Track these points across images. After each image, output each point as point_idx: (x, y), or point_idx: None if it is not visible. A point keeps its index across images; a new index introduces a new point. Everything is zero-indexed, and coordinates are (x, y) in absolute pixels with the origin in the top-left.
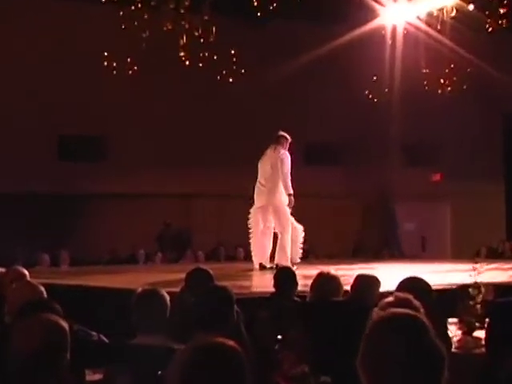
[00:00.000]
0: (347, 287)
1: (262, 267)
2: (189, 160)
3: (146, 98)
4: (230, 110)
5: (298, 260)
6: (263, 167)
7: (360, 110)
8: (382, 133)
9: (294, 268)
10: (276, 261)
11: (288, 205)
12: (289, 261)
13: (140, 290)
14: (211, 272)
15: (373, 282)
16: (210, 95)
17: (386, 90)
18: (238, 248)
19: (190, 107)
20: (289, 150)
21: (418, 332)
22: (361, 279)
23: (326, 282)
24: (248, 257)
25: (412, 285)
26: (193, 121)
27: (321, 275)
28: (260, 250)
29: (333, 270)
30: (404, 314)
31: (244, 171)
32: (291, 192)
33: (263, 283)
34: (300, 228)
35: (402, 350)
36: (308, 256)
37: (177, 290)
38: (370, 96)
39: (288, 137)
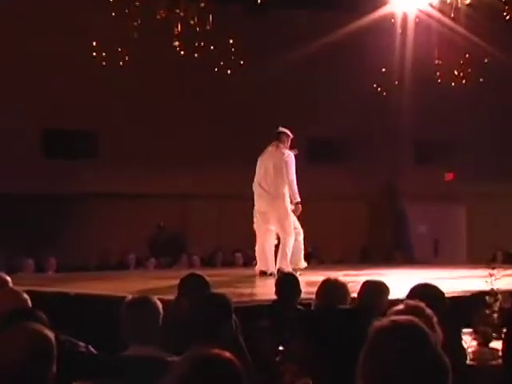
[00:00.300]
0: (354, 294)
1: (263, 273)
2: (185, 158)
3: (139, 90)
4: (228, 103)
5: (303, 265)
6: (264, 166)
7: (367, 104)
8: (390, 128)
9: (298, 274)
10: (277, 266)
11: (294, 212)
12: (289, 266)
13: (130, 297)
14: (207, 278)
15: (381, 288)
16: (206, 88)
17: (396, 82)
18: (236, 253)
19: (186, 101)
20: (290, 147)
21: (420, 342)
22: (368, 286)
23: (332, 289)
24: (247, 262)
25: (424, 292)
26: (189, 116)
27: (327, 282)
28: (261, 256)
29: (339, 276)
30: (405, 322)
31: (244, 170)
32: (299, 200)
33: (264, 290)
34: (300, 230)
35: (402, 360)
36: (310, 261)
37: (170, 297)
38: (379, 89)
39: (289, 133)
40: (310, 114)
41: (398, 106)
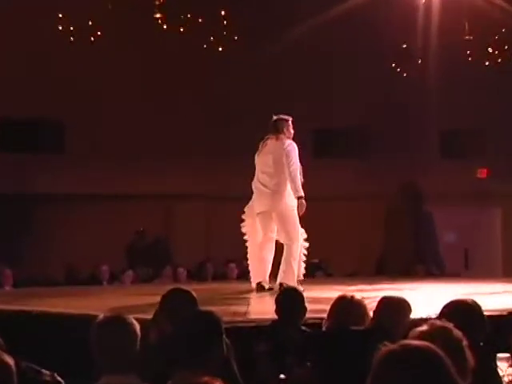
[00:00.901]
0: (370, 313)
1: (261, 288)
2: (168, 152)
3: (114, 72)
4: (219, 87)
5: (302, 276)
6: (263, 162)
7: (384, 88)
8: (412, 116)
9: (301, 289)
10: (279, 280)
11: (298, 209)
12: (295, 280)
13: (103, 317)
14: (194, 294)
15: (401, 306)
16: (194, 69)
17: (419, 61)
18: (229, 264)
19: (170, 84)
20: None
21: (434, 370)
22: (386, 303)
23: (348, 309)
24: (243, 275)
25: (460, 310)
26: (173, 102)
27: (342, 299)
28: (259, 267)
29: (352, 291)
30: (417, 347)
31: (238, 166)
32: (302, 194)
33: (262, 308)
34: (303, 233)
35: None
36: (316, 273)
37: (150, 317)
38: (398, 69)
39: (287, 118)
40: (315, 102)
41: (420, 90)
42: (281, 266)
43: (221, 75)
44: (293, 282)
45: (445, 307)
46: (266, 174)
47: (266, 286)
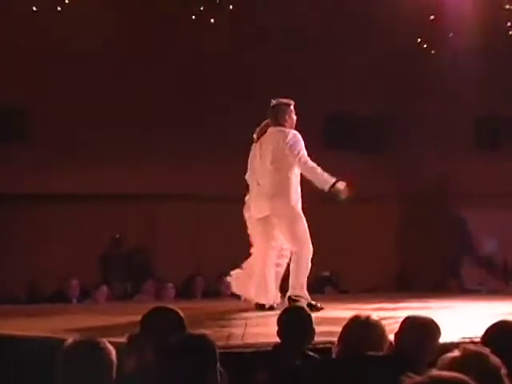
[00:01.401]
0: (391, 336)
1: (260, 306)
2: (151, 145)
3: (86, 49)
4: (211, 68)
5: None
6: (261, 157)
7: (408, 67)
8: (441, 100)
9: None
10: (289, 293)
11: (342, 195)
12: (305, 293)
13: (72, 341)
14: (182, 314)
15: (429, 328)
16: (181, 45)
17: (451, 34)
18: (223, 278)
19: (153, 63)
20: (297, 126)
21: None
22: (410, 324)
23: (363, 331)
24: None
25: (505, 333)
26: (156, 86)
27: (356, 320)
28: (262, 283)
29: (371, 311)
30: (449, 379)
31: (233, 162)
32: (332, 181)
33: (262, 330)
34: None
35: None
36: (326, 289)
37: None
38: (425, 45)
39: (289, 102)
40: (325, 83)
41: (451, 69)
42: (290, 279)
43: (211, 52)
44: (302, 295)
45: (489, 329)
46: (265, 171)
47: (267, 305)
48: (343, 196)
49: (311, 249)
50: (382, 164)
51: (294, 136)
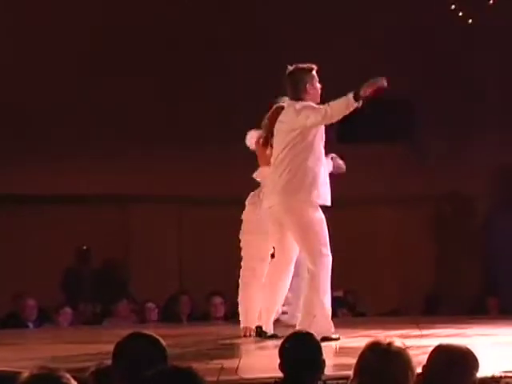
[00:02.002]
0: (418, 369)
1: (261, 333)
2: (125, 138)
3: (56, 28)
4: (206, 49)
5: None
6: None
7: (439, 40)
8: (480, 81)
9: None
10: (298, 325)
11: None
12: (328, 326)
13: (28, 375)
14: (163, 342)
15: (464, 358)
16: (172, 24)
17: (491, 0)
18: (214, 297)
19: (136, 45)
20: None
21: None
22: (441, 354)
23: (384, 360)
24: (232, 314)
25: None
26: (133, 66)
27: (376, 347)
28: (260, 304)
29: (393, 337)
30: None
31: (226, 157)
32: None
33: (261, 362)
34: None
35: None
36: (339, 311)
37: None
38: (460, 13)
39: (310, 66)
40: (341, 59)
41: (492, 42)
42: (302, 304)
43: (202, 32)
44: (322, 328)
45: None
46: (276, 160)
47: (269, 332)
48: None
49: (329, 264)
50: (409, 159)
51: (306, 104)
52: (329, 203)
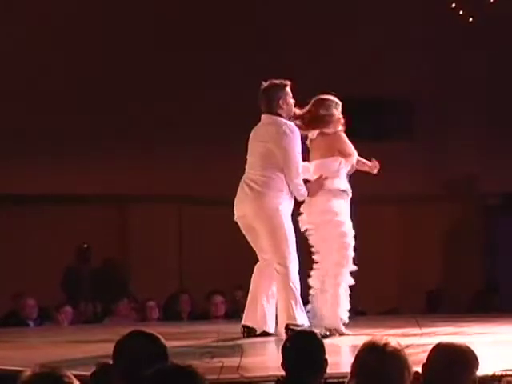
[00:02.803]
0: (418, 368)
1: (249, 331)
2: (128, 138)
3: (41, 17)
4: (202, 41)
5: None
6: (250, 151)
7: (443, 39)
8: (482, 79)
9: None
10: (280, 322)
11: (313, 188)
12: (303, 317)
13: (30, 373)
14: (164, 341)
15: (464, 357)
16: (171, 24)
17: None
18: (214, 296)
19: (136, 46)
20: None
21: None
22: (441, 353)
23: (380, 360)
24: (233, 312)
25: None
26: (136, 70)
27: (372, 347)
28: (250, 304)
29: (392, 336)
30: None
31: (227, 156)
32: (305, 195)
33: (263, 361)
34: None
35: None
36: None
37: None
38: (461, 12)
39: (283, 82)
40: (347, 57)
41: (494, 41)
42: (278, 303)
43: (202, 22)
44: (299, 320)
45: None
46: (253, 168)
47: (258, 331)
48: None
49: (296, 263)
50: (416, 158)
51: (289, 128)
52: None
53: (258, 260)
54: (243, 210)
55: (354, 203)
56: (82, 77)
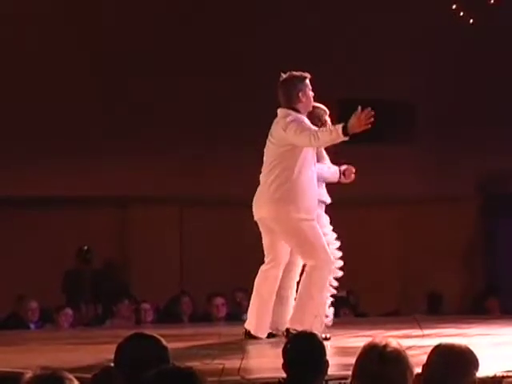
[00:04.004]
0: (419, 369)
1: (250, 335)
2: (129, 138)
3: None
4: (206, 33)
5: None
6: (265, 150)
7: (445, 41)
8: (485, 80)
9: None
10: (289, 323)
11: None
12: (319, 324)
13: (31, 375)
14: (165, 342)
15: (463, 358)
16: (172, 26)
17: (492, 0)
18: (215, 298)
19: (136, 47)
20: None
21: None
22: (441, 354)
23: (381, 361)
24: (234, 315)
25: None
26: (136, 70)
27: (372, 348)
28: (259, 308)
29: (393, 337)
30: None
31: (229, 157)
32: (339, 170)
33: (263, 363)
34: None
35: None
36: (341, 311)
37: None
38: (461, 13)
39: (303, 74)
40: (347, 59)
41: (493, 42)
42: (295, 301)
43: (204, 15)
44: (314, 328)
45: None
46: (264, 167)
47: (274, 331)
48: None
49: (330, 264)
50: (414, 160)
51: (294, 117)
52: (314, 216)
53: (260, 262)
54: (259, 209)
55: (354, 205)
56: (82, 76)
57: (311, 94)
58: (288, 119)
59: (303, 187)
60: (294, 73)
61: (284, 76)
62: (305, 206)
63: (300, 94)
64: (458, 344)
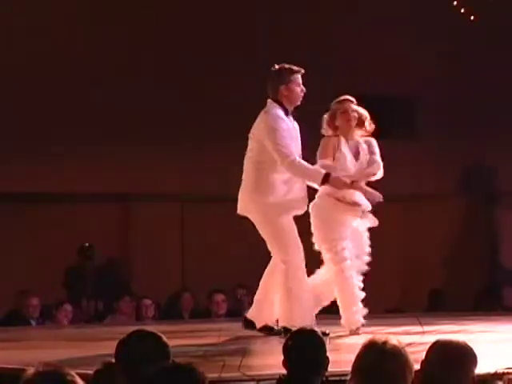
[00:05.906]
0: (418, 366)
1: (268, 329)
2: (130, 137)
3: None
4: (203, 32)
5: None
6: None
7: (445, 38)
8: (480, 78)
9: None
10: (280, 322)
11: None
12: (308, 318)
13: (33, 372)
14: (165, 339)
15: (462, 354)
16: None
17: None
18: (215, 294)
19: (137, 49)
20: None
21: None
22: (439, 350)
23: (380, 359)
24: (235, 311)
25: None
26: (136, 70)
27: (371, 346)
28: (263, 302)
29: (392, 334)
30: None
31: (229, 155)
32: (322, 172)
33: (264, 359)
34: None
35: None
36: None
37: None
38: (462, 9)
39: (293, 68)
40: (354, 56)
41: (493, 38)
42: (279, 301)
43: (201, 12)
44: (302, 322)
45: None
46: (249, 163)
47: (276, 328)
48: (338, 188)
49: (300, 256)
50: (415, 155)
51: (276, 117)
52: (301, 212)
53: (260, 259)
54: (240, 205)
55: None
56: (81, 77)
57: (299, 88)
58: (273, 125)
59: (279, 180)
60: (285, 65)
61: (274, 68)
62: (283, 199)
63: (282, 87)
64: (455, 340)
